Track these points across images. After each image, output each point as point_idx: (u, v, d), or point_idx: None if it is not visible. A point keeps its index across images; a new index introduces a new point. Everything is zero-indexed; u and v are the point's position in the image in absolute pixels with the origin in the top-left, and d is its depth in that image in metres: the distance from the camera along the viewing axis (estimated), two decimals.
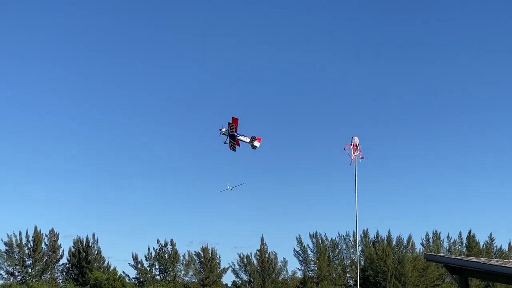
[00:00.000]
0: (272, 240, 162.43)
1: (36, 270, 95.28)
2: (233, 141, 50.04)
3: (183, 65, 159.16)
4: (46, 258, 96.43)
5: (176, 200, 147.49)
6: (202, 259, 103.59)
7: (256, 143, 50.30)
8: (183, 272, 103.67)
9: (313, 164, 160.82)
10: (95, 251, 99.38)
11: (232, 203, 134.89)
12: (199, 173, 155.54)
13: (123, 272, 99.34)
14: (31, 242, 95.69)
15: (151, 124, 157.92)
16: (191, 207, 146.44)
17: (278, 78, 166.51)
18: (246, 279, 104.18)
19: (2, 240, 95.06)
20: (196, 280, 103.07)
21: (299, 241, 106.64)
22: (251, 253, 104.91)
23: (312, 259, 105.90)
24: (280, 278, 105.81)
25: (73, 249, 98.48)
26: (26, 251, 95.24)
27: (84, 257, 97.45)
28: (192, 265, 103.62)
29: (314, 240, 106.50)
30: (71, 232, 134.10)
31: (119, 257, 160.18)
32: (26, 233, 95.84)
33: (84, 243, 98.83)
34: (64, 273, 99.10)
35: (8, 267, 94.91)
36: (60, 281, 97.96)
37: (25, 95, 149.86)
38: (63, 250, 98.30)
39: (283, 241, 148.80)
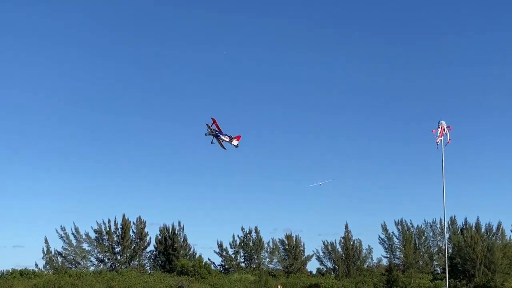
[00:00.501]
0: (356, 228, 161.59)
1: (125, 257, 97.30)
2: (226, 138, 52.40)
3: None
4: (134, 245, 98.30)
5: (260, 188, 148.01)
6: (287, 247, 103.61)
7: (235, 142, 52.56)
8: (267, 260, 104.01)
9: (398, 150, 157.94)
10: (181, 238, 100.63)
11: (315, 190, 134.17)
12: (284, 163, 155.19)
13: (208, 259, 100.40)
14: (119, 230, 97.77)
15: None
16: (275, 195, 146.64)
17: None
18: (331, 267, 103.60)
19: (92, 228, 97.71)
20: (281, 268, 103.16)
21: (384, 228, 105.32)
22: (335, 241, 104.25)
23: (398, 246, 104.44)
24: (365, 266, 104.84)
25: (159, 237, 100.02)
26: (115, 239, 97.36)
27: (171, 244, 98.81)
28: (276, 252, 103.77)
29: (399, 227, 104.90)
30: (158, 220, 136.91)
31: (204, 245, 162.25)
32: (115, 221, 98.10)
33: (170, 230, 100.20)
34: (151, 260, 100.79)
35: (98, 254, 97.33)
36: (148, 268, 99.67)
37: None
38: (150, 238, 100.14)
39: (367, 229, 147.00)
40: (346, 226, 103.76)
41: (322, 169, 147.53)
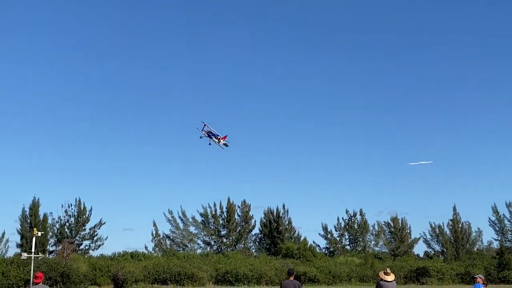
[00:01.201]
0: (465, 210, 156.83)
1: (230, 240, 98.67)
2: (216, 139, 58.33)
3: None
4: (239, 228, 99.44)
5: (364, 170, 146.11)
6: (392, 229, 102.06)
7: (222, 142, 58.36)
8: (373, 242, 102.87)
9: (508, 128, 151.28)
10: (285, 221, 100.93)
11: (422, 172, 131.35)
12: (388, 143, 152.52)
13: (313, 242, 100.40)
14: (225, 213, 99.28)
15: None
16: (379, 177, 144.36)
17: None
18: (439, 250, 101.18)
19: (198, 211, 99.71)
20: (387, 250, 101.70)
21: (495, 211, 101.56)
22: (443, 223, 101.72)
23: (510, 229, 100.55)
24: (475, 249, 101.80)
25: (264, 220, 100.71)
26: (221, 222, 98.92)
27: (275, 227, 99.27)
28: (382, 235, 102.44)
29: (511, 209, 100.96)
30: (262, 203, 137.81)
31: (308, 227, 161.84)
32: (220, 205, 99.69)
33: (275, 213, 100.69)
34: (256, 243, 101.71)
35: (204, 237, 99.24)
36: (253, 250, 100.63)
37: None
38: (255, 221, 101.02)
39: (477, 211, 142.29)
40: (454, 208, 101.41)
41: (427, 148, 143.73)
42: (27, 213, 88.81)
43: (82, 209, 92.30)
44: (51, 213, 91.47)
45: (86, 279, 74.26)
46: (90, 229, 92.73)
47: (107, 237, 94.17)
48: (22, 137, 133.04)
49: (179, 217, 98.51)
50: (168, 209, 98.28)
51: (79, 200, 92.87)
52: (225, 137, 59.17)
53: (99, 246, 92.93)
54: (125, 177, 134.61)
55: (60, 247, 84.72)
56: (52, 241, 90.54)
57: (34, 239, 16.20)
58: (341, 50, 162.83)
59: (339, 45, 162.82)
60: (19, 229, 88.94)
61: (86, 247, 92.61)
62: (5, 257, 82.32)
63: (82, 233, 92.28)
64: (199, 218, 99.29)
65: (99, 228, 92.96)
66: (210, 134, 58.63)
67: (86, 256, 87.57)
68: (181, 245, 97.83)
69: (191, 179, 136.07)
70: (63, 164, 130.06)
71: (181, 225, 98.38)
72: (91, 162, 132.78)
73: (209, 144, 58.87)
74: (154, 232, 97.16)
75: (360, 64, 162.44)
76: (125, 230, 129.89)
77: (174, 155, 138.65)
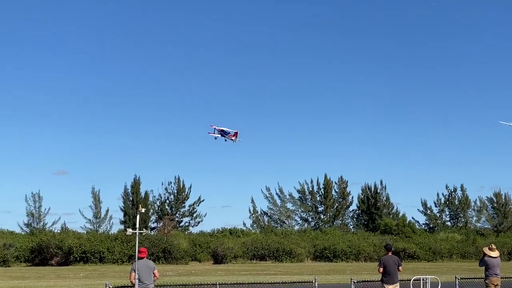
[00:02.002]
0: None
1: (328, 216, 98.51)
2: (226, 135, 63.72)
3: None
4: (336, 204, 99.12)
5: (465, 143, 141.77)
6: (495, 205, 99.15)
7: (235, 138, 63.92)
8: (474, 218, 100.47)
9: None
10: (383, 197, 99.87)
11: None
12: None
13: (412, 218, 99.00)
14: (321, 190, 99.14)
15: None
16: (481, 150, 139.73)
17: None
18: None
19: (295, 188, 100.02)
20: (489, 226, 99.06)
21: None
22: None
23: None
24: None
25: (361, 196, 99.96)
26: (318, 198, 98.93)
27: (373, 203, 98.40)
28: (484, 211, 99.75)
29: None
30: (359, 179, 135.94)
31: (407, 203, 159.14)
32: (317, 181, 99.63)
33: (372, 190, 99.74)
34: (354, 219, 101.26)
35: (302, 213, 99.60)
36: (351, 226, 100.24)
37: None
38: (352, 197, 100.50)
39: None
40: None
41: None
42: (129, 191, 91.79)
43: (181, 186, 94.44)
44: (152, 191, 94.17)
45: (186, 255, 76.17)
46: (189, 206, 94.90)
47: (206, 214, 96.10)
48: (126, 116, 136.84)
49: (277, 194, 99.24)
50: (266, 186, 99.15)
51: (179, 178, 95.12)
52: (236, 134, 64.52)
53: (199, 222, 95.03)
54: (223, 155, 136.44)
55: (161, 224, 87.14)
56: (153, 218, 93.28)
57: (138, 216, 16.54)
58: None
59: None
60: (122, 207, 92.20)
61: (186, 224, 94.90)
62: (110, 233, 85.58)
63: (182, 210, 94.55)
64: (296, 195, 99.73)
65: (198, 205, 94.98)
66: (223, 133, 64.27)
67: (186, 232, 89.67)
68: (278, 221, 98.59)
69: (289, 156, 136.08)
70: (163, 144, 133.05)
71: (278, 201, 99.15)
72: (189, 141, 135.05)
73: (225, 140, 64.72)
74: (251, 209, 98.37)
75: None
76: (223, 207, 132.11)
77: (272, 133, 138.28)
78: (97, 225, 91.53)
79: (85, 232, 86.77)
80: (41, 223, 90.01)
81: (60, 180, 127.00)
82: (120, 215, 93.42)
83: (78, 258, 71.68)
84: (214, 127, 64.47)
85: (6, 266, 71.08)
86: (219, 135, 64.20)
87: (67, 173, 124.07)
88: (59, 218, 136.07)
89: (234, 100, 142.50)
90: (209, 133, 65.14)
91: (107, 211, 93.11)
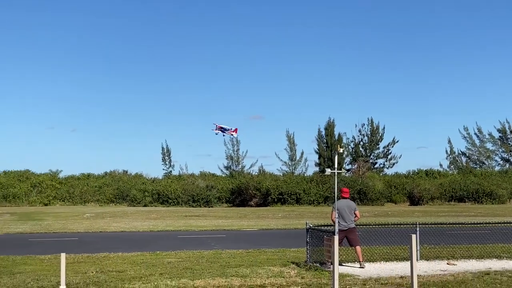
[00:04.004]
0: None
1: None
2: (225, 131, 75.12)
3: None
4: None
5: None
6: None
7: (234, 134, 78.52)
8: None
9: None
10: None
11: None
12: None
13: None
14: None
15: None
16: None
17: None
18: None
19: (495, 127, 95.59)
20: None
21: None
22: None
23: None
24: None
25: None
26: None
27: None
28: None
29: None
30: None
31: None
32: None
33: None
34: None
35: (502, 154, 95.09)
36: None
37: None
38: None
39: None
40: None
41: None
42: (323, 133, 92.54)
43: (374, 128, 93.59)
44: (345, 133, 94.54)
45: (382, 196, 75.97)
46: (383, 147, 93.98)
47: (401, 156, 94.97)
48: (316, 59, 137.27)
49: (475, 133, 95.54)
50: (464, 126, 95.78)
51: (372, 120, 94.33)
52: (236, 130, 76.11)
53: (393, 164, 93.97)
54: (418, 94, 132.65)
55: (355, 165, 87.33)
56: (347, 160, 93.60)
57: (336, 155, 16.43)
58: None
59: None
60: (316, 149, 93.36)
61: (381, 166, 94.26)
62: (305, 175, 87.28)
63: (376, 152, 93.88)
64: (496, 134, 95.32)
65: (392, 147, 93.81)
66: (222, 129, 74.72)
67: (381, 174, 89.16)
68: (477, 162, 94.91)
69: (486, 94, 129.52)
70: (357, 85, 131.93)
71: (477, 141, 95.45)
72: (380, 83, 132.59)
73: (223, 136, 77.51)
74: (448, 150, 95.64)
75: None
76: (418, 148, 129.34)
77: (464, 70, 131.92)
78: (293, 167, 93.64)
79: (281, 174, 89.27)
80: (240, 165, 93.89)
81: (256, 124, 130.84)
82: (315, 157, 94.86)
83: (275, 199, 74.11)
84: (215, 124, 76.05)
85: (209, 207, 75.23)
86: (219, 131, 75.18)
87: (262, 117, 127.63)
88: (257, 161, 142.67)
89: None
90: (212, 129, 76.16)
91: (302, 153, 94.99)
